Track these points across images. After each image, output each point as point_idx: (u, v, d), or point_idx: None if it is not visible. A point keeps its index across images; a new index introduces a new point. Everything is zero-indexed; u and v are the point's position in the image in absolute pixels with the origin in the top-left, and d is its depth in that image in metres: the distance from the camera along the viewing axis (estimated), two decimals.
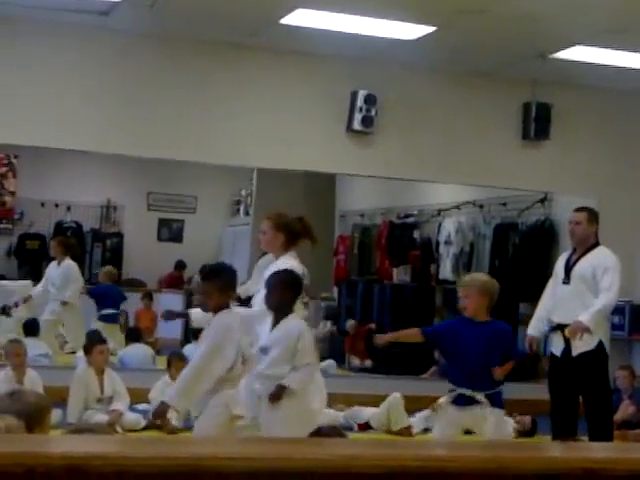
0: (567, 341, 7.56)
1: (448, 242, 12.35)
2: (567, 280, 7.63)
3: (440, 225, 12.59)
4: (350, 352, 12.79)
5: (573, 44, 9.39)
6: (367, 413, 9.26)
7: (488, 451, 2.74)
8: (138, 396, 8.93)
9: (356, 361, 12.67)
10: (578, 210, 7.85)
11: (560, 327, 7.61)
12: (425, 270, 12.76)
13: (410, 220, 13.21)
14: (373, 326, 13.04)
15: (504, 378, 6.30)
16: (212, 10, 8.94)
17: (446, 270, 12.31)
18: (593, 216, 7.80)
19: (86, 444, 2.66)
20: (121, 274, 12.68)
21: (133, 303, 12.80)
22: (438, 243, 12.53)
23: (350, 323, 13.11)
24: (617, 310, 9.50)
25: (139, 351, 11.06)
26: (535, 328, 7.83)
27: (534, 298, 8.39)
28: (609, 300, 7.44)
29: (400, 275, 13.23)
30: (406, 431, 8.95)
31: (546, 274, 8.40)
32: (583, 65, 9.95)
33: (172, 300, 12.99)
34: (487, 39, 9.40)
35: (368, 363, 12.56)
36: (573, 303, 7.55)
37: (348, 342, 12.97)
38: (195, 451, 2.41)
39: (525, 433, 9.05)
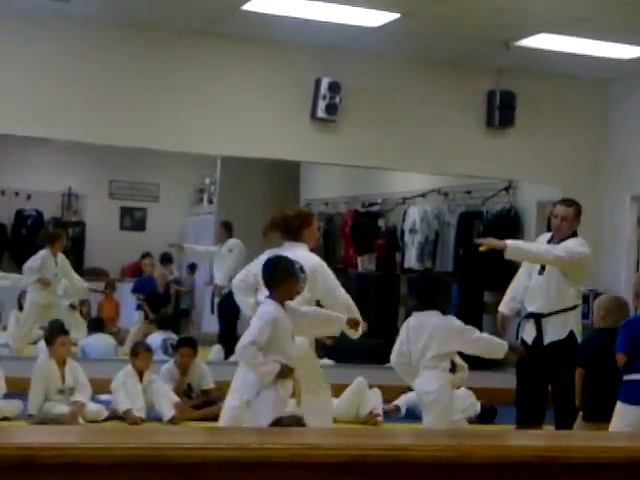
0: (539, 330, 7.54)
1: (413, 230, 12.32)
2: (542, 270, 7.59)
3: (405, 213, 12.57)
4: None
5: (537, 32, 9.39)
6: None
7: (450, 439, 2.71)
8: (100, 386, 8.86)
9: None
10: (564, 204, 7.66)
11: (533, 316, 7.58)
12: (390, 259, 12.73)
13: (375, 209, 13.18)
14: None
15: None
16: None
17: (411, 259, 12.28)
18: (579, 211, 7.67)
19: (41, 435, 2.61)
20: (83, 263, 12.55)
21: (95, 293, 12.69)
22: (403, 232, 12.50)
23: None
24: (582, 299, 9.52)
25: (101, 341, 10.98)
26: (507, 306, 7.77)
27: (498, 287, 8.39)
28: (556, 250, 7.38)
29: (365, 264, 13.19)
30: (374, 419, 8.91)
31: (510, 263, 8.37)
32: (547, 53, 9.95)
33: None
34: (451, 27, 9.37)
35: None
36: (547, 293, 7.51)
37: None
38: (152, 441, 2.37)
39: (483, 418, 9.09)
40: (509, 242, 7.37)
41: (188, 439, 2.58)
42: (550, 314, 7.45)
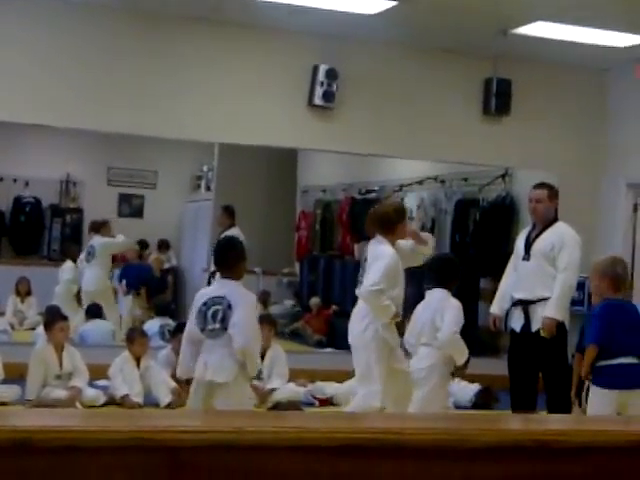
0: (527, 317, 7.60)
1: (410, 217, 12.30)
2: (527, 257, 7.66)
3: (402, 200, 12.56)
4: (306, 326, 12.84)
5: (534, 20, 9.39)
6: (330, 389, 9.27)
7: (442, 423, 2.74)
8: (98, 372, 8.89)
9: (309, 332, 12.77)
10: (538, 187, 7.83)
11: (521, 303, 7.64)
12: None
13: (372, 196, 13.18)
14: (335, 307, 13.10)
15: None
16: None
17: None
18: (553, 193, 7.81)
19: (38, 418, 2.64)
20: (81, 250, 12.57)
21: None
22: None
23: (314, 300, 13.13)
24: (577, 285, 9.54)
25: (99, 327, 11.02)
26: (498, 306, 7.86)
27: (494, 273, 8.43)
28: (567, 281, 7.47)
29: (361, 251, 13.20)
30: None
31: (506, 249, 8.43)
32: (544, 41, 9.96)
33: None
34: (449, 14, 9.38)
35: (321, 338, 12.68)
36: (533, 279, 7.59)
37: (308, 317, 13.01)
38: (145, 424, 2.40)
39: (482, 405, 9.15)
40: (554, 315, 7.40)
41: (183, 422, 2.61)
42: (537, 301, 7.51)
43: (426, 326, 6.72)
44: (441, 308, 6.71)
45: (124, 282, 12.55)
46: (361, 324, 6.68)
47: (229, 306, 5.94)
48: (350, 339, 6.79)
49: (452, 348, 6.68)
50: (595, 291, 6.41)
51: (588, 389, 6.24)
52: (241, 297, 6.05)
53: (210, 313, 5.96)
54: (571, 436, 2.70)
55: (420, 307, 6.88)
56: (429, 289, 6.90)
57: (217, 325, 5.93)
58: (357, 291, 6.80)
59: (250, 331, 6.03)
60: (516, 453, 2.64)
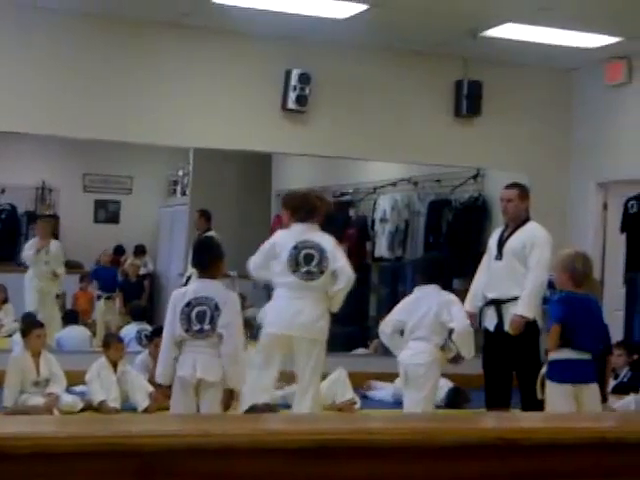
0: (500, 316, 7.69)
1: (384, 220, 12.41)
2: (499, 256, 7.74)
3: (375, 203, 12.64)
4: None
5: (503, 22, 9.48)
6: None
7: (414, 423, 2.80)
8: (75, 378, 8.92)
9: None
10: (509, 187, 7.92)
11: (494, 302, 7.73)
12: (361, 248, 12.79)
13: (346, 198, 13.23)
14: None
15: None
16: None
17: (382, 248, 12.36)
18: (524, 192, 7.89)
19: (13, 425, 2.68)
20: None
21: (71, 285, 12.73)
22: (374, 221, 12.58)
23: None
24: (548, 284, 9.64)
25: (76, 333, 11.03)
26: (470, 304, 7.94)
27: (468, 273, 8.50)
28: (538, 279, 7.55)
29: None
30: (349, 406, 9.03)
31: (479, 250, 8.50)
32: (513, 42, 10.06)
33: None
34: (419, 17, 9.46)
35: None
36: (506, 279, 7.67)
37: None
38: (118, 429, 2.45)
39: (454, 404, 9.24)
40: (523, 313, 7.47)
41: (157, 427, 2.65)
42: (509, 300, 7.60)
43: (426, 321, 6.87)
44: (445, 303, 6.89)
45: (95, 286, 12.60)
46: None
47: (216, 306, 5.97)
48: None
49: (466, 340, 6.83)
50: (558, 284, 6.53)
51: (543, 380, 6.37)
52: (228, 297, 6.10)
53: (195, 314, 5.97)
54: (538, 433, 2.75)
55: (411, 302, 7.04)
56: (419, 285, 7.14)
57: (206, 326, 5.94)
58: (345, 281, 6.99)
59: (240, 335, 6.10)
60: (483, 451, 2.69)
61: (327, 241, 7.20)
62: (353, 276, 7.21)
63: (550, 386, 6.30)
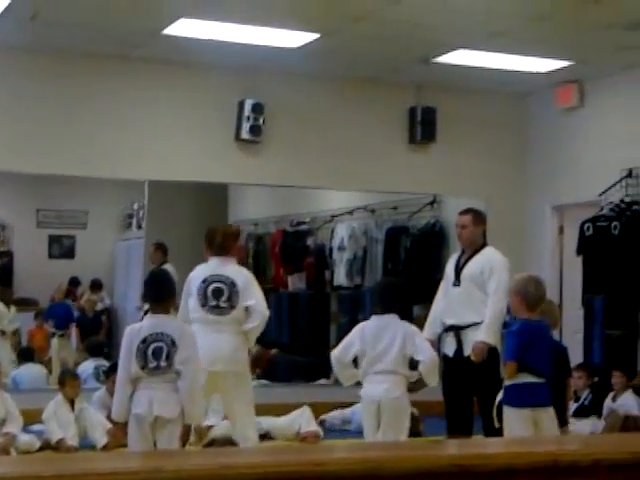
0: (459, 342, 7.66)
1: (342, 248, 12.40)
2: (457, 282, 7.73)
3: (333, 231, 12.64)
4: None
5: (455, 48, 9.53)
6: (266, 423, 9.24)
7: (363, 452, 2.76)
8: (32, 417, 8.78)
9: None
10: (463, 213, 7.93)
11: (452, 328, 7.71)
12: (320, 277, 12.79)
13: (303, 227, 13.23)
14: (274, 351, 13.09)
15: None
16: (94, 22, 8.85)
17: (340, 276, 12.36)
18: (479, 217, 7.89)
19: None
20: (13, 293, 12.44)
21: (25, 322, 12.59)
22: (332, 249, 12.58)
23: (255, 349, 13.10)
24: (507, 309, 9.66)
25: (32, 371, 10.89)
26: (429, 331, 7.91)
27: (427, 300, 8.47)
28: (497, 305, 7.52)
29: (295, 283, 13.23)
30: (313, 437, 8.96)
31: (438, 276, 8.49)
32: (465, 68, 10.11)
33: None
34: (370, 45, 9.49)
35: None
36: (464, 305, 7.66)
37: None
38: (77, 468, 2.39)
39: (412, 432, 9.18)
40: (485, 339, 7.41)
41: (112, 465, 2.60)
42: (468, 326, 7.58)
43: (390, 353, 6.65)
44: (409, 335, 6.68)
45: (50, 323, 12.47)
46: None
47: (173, 342, 5.89)
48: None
49: (433, 370, 6.72)
50: (512, 309, 6.52)
51: (501, 407, 6.35)
52: (184, 332, 6.02)
53: (151, 350, 5.89)
54: (492, 459, 2.73)
55: (371, 331, 6.74)
56: (377, 314, 6.85)
57: (162, 363, 5.86)
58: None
59: (198, 370, 6.02)
60: (438, 478, 2.66)
61: (241, 276, 7.12)
62: (267, 313, 7.13)
63: (508, 411, 6.28)
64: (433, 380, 6.83)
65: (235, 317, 7.03)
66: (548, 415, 6.30)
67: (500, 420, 6.35)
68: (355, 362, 6.87)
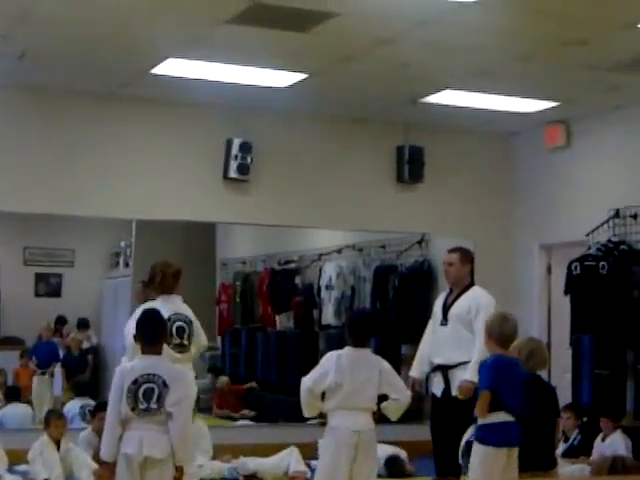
0: (447, 382, 7.66)
1: (329, 287, 12.40)
2: (445, 322, 7.74)
3: (321, 270, 12.64)
4: (219, 407, 12.69)
5: (442, 88, 9.57)
6: (253, 464, 9.19)
7: None
8: (17, 457, 8.72)
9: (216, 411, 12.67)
10: (451, 251, 7.96)
11: (440, 368, 7.70)
12: (308, 316, 12.77)
13: (291, 266, 13.24)
14: (254, 384, 13.04)
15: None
16: (82, 61, 8.86)
17: (328, 315, 12.34)
18: (466, 256, 7.91)
19: None
20: None
21: (11, 361, 12.53)
22: (320, 288, 12.57)
23: (222, 379, 13.05)
24: None
25: (18, 411, 10.82)
26: (417, 369, 7.91)
27: (415, 339, 8.47)
28: (484, 344, 7.51)
29: (283, 322, 13.22)
30: (301, 475, 8.92)
31: (426, 314, 8.50)
32: (452, 108, 10.16)
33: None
34: (358, 85, 9.52)
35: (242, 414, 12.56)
36: (451, 344, 7.66)
37: (217, 397, 12.83)
38: None
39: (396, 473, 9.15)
40: (471, 378, 7.31)
41: None
42: (456, 365, 7.57)
43: (367, 389, 6.35)
44: (385, 373, 6.42)
45: (34, 361, 12.41)
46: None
47: (164, 384, 5.84)
48: None
49: (403, 409, 6.56)
50: (487, 348, 6.50)
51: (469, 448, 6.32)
52: (176, 374, 5.97)
53: (142, 392, 5.84)
54: None
55: (347, 364, 6.38)
56: (351, 346, 6.46)
57: (153, 405, 5.80)
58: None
59: (189, 412, 5.96)
60: None
61: (188, 311, 7.20)
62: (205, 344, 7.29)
63: (483, 450, 6.21)
64: (396, 418, 6.67)
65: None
66: (516, 455, 6.28)
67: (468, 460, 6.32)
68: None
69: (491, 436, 6.17)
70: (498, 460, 6.13)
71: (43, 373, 12.36)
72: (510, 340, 6.36)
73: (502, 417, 6.16)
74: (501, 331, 6.31)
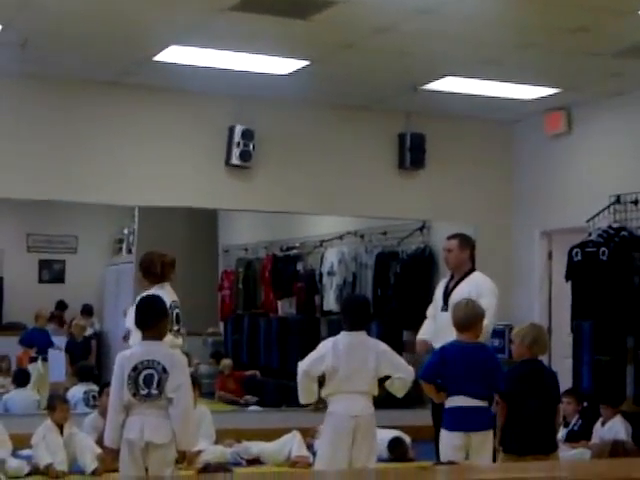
0: None
1: (331, 273, 12.43)
2: (445, 307, 7.76)
3: (323, 256, 12.68)
4: (220, 390, 12.72)
5: (443, 76, 9.59)
6: (256, 448, 9.24)
7: (356, 479, 2.78)
8: (22, 442, 8.76)
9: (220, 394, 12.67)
10: (450, 238, 7.99)
11: None
12: (309, 302, 12.81)
13: (293, 252, 13.27)
14: (258, 373, 13.06)
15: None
16: (85, 49, 8.90)
17: (330, 301, 12.37)
18: (465, 242, 7.94)
19: None
20: (2, 318, 12.44)
21: (16, 347, 12.57)
22: (321, 274, 12.60)
23: (225, 362, 13.08)
24: (497, 333, 9.70)
25: (23, 396, 10.88)
26: (424, 333, 7.94)
27: (417, 325, 8.50)
28: (485, 329, 7.55)
29: (285, 308, 13.26)
30: (303, 461, 8.96)
31: (427, 301, 8.52)
32: (453, 95, 10.18)
33: (54, 340, 12.81)
34: (360, 72, 9.55)
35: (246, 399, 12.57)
36: (452, 329, 7.67)
37: (220, 381, 12.87)
38: None
39: (399, 457, 9.20)
40: None
41: None
42: None
43: (364, 373, 6.43)
44: (382, 354, 6.50)
45: (34, 349, 12.45)
46: None
47: (164, 370, 5.90)
48: None
49: (408, 386, 6.65)
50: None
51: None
52: (175, 359, 6.02)
53: (142, 378, 5.89)
54: None
55: (344, 348, 6.47)
56: (347, 330, 6.56)
57: (153, 390, 5.86)
58: None
59: (190, 396, 6.02)
60: None
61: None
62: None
63: (442, 434, 6.41)
64: (402, 395, 6.74)
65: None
66: (486, 438, 6.34)
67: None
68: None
69: (445, 420, 6.40)
70: (454, 443, 6.27)
71: (35, 359, 12.34)
72: (466, 325, 6.47)
73: (458, 402, 6.29)
74: (456, 315, 6.50)
